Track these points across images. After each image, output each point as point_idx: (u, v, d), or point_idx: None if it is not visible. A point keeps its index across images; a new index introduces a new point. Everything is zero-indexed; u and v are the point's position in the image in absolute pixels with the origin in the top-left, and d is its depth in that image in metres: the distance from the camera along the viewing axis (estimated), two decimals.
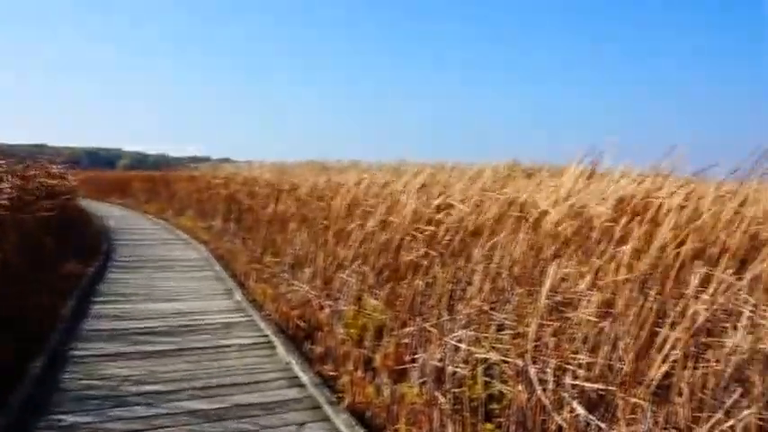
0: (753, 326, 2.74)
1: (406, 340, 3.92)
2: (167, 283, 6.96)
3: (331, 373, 4.03)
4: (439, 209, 4.72)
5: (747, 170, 3.45)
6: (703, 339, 2.74)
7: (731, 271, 2.86)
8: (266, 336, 4.89)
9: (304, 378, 3.95)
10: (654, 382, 2.56)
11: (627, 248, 2.86)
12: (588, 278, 3.01)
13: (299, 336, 4.86)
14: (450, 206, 4.56)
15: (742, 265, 3.15)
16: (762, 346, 2.58)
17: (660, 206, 3.17)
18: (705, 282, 2.80)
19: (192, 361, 4.23)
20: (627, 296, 2.82)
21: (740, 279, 2.91)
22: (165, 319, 5.34)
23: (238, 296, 6.29)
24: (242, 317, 5.52)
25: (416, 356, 3.69)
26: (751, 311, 2.68)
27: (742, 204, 3.55)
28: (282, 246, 7.34)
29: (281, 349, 4.51)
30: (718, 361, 2.65)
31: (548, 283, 2.99)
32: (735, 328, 2.75)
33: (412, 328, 3.93)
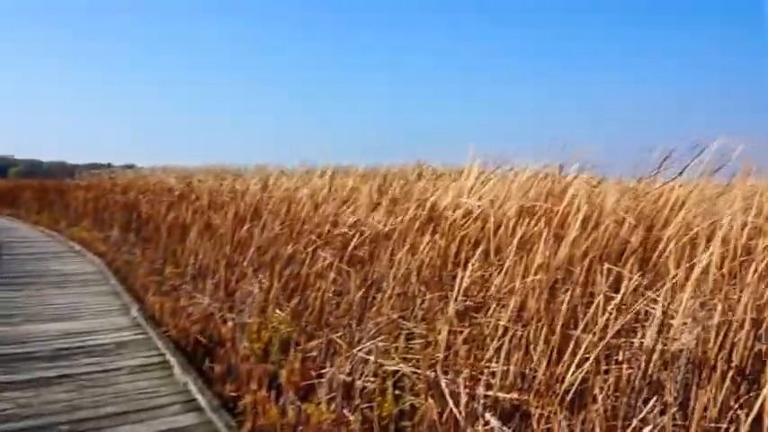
0: (661, 326, 2.70)
1: (314, 354, 3.69)
2: (57, 301, 6.37)
3: (232, 394, 3.73)
4: (339, 214, 4.52)
5: (653, 169, 3.44)
6: (614, 341, 2.67)
7: (637, 271, 2.82)
8: (163, 355, 4.50)
9: (202, 401, 3.63)
10: (569, 389, 2.45)
11: (537, 249, 2.75)
12: (498, 281, 2.89)
13: (199, 353, 4.51)
14: (349, 205, 4.36)
15: (645, 263, 3.13)
16: (671, 347, 2.54)
17: (568, 207, 3.11)
18: (616, 282, 2.73)
19: (76, 389, 3.81)
20: (538, 299, 2.71)
21: (643, 276, 2.88)
22: (49, 341, 4.83)
23: (135, 312, 5.82)
24: (137, 334, 5.09)
25: (324, 371, 3.46)
26: (662, 312, 2.63)
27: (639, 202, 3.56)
28: (184, 256, 6.91)
29: (178, 369, 4.15)
30: (630, 366, 2.59)
31: (458, 288, 2.84)
32: (644, 329, 2.71)
33: (319, 341, 3.70)
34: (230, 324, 4.68)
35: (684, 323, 2.66)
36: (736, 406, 2.16)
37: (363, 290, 3.57)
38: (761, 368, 2.17)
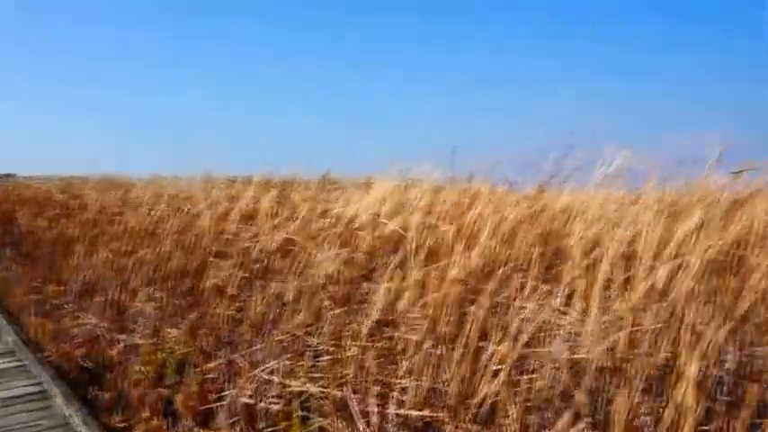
0: (571, 336, 2.71)
1: (213, 375, 3.44)
2: None
3: (122, 424, 3.41)
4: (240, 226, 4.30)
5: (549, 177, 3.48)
6: (524, 351, 2.64)
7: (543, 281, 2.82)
8: (41, 384, 4.08)
9: None
10: (481, 403, 2.39)
11: (449, 261, 2.69)
12: (410, 294, 2.80)
13: (85, 380, 4.12)
14: (252, 218, 4.16)
15: (547, 271, 3.15)
16: (581, 357, 2.54)
17: (477, 217, 3.08)
18: (524, 292, 2.71)
19: None
20: (449, 312, 2.64)
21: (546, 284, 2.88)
22: None
23: (10, 336, 5.28)
24: (12, 362, 4.60)
25: (224, 393, 3.23)
26: (571, 320, 2.64)
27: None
28: (69, 272, 6.37)
29: (60, 399, 3.76)
30: (541, 377, 2.57)
31: (370, 302, 2.73)
32: (553, 339, 2.71)
33: (219, 362, 3.46)
34: (120, 346, 4.32)
35: (592, 332, 2.68)
36: (647, 412, 2.18)
37: (265, 305, 3.38)
38: (670, 376, 2.19)
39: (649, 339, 2.32)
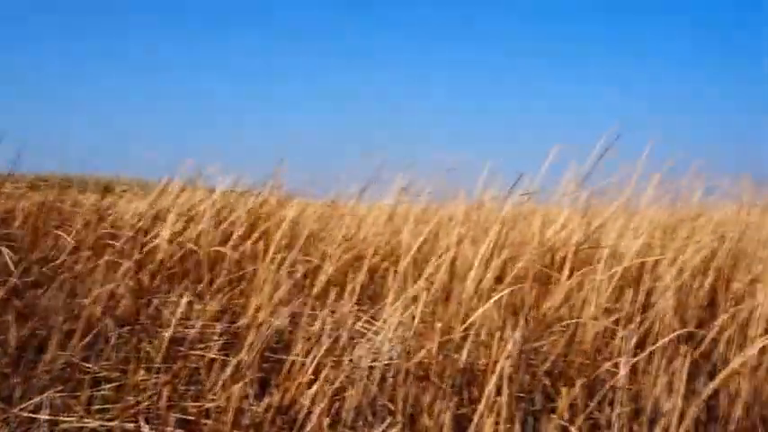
0: (379, 343, 2.74)
1: None
2: None
3: None
4: None
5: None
6: (325, 360, 2.60)
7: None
8: None
9: None
10: (289, 417, 2.29)
11: (253, 273, 2.54)
12: (211, 307, 2.58)
13: None
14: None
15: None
16: (387, 362, 2.58)
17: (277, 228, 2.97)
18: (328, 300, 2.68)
19: None
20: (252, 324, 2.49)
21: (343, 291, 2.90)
22: None
23: None
24: None
25: None
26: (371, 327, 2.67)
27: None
28: None
29: None
30: (345, 385, 2.55)
31: (165, 320, 2.45)
32: (360, 347, 2.72)
33: None
34: None
35: (391, 339, 2.75)
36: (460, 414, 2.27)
37: (28, 330, 2.85)
38: (480, 381, 2.31)
39: (457, 344, 2.44)
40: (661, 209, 3.67)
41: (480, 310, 2.51)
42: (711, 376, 2.40)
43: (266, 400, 2.33)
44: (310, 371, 2.33)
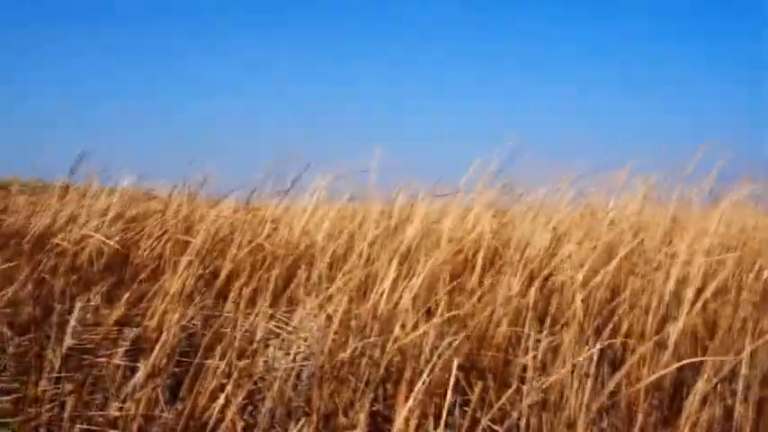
0: (284, 342, 2.73)
1: None
2: None
3: None
4: None
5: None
6: (240, 363, 2.55)
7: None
8: None
9: None
10: (206, 424, 2.23)
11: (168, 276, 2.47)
12: (118, 314, 2.49)
13: None
14: None
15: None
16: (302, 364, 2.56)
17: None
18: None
19: None
20: (168, 331, 2.42)
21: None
22: None
23: None
24: None
25: None
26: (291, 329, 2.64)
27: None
28: None
29: None
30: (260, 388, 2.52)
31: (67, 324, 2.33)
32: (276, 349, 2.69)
33: None
34: None
35: (306, 339, 2.74)
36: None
37: None
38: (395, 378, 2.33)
39: (372, 342, 2.45)
40: (575, 207, 3.83)
41: (394, 308, 2.53)
42: (616, 366, 2.51)
43: (177, 405, 2.26)
44: (219, 374, 2.28)
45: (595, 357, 2.37)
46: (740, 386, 2.21)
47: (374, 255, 2.89)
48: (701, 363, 2.33)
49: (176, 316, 2.30)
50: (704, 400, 2.22)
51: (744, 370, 2.19)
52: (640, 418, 2.24)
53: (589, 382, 2.34)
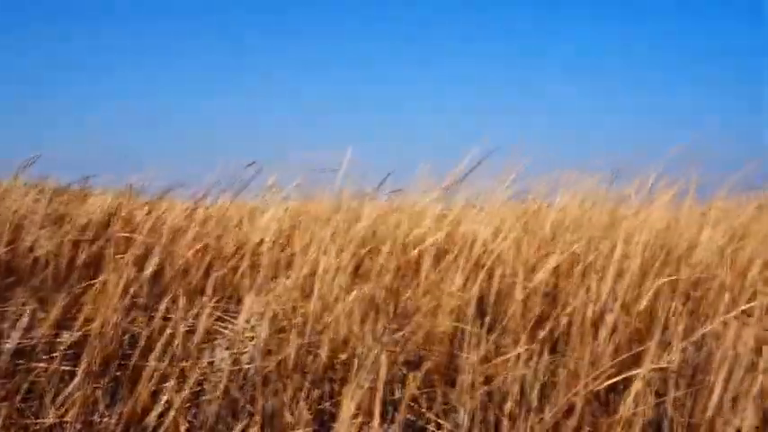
0: (230, 342, 2.70)
1: None
2: None
3: None
4: None
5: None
6: (185, 364, 2.51)
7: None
8: None
9: None
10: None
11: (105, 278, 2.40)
12: (54, 315, 2.41)
13: None
14: None
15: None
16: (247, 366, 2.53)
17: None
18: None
19: None
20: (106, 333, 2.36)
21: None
22: None
23: None
24: None
25: None
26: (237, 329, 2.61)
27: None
28: None
29: None
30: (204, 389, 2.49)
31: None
32: (218, 349, 2.66)
33: None
34: None
35: (252, 338, 2.71)
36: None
37: None
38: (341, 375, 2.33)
39: (318, 339, 2.45)
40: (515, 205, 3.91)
41: (340, 305, 2.54)
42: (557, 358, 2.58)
43: (117, 409, 2.22)
44: (159, 375, 2.24)
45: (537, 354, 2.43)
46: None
47: (321, 251, 2.89)
48: (639, 355, 2.41)
49: (115, 317, 2.25)
50: (640, 392, 2.30)
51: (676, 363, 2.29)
52: (579, 406, 2.31)
53: (530, 375, 2.40)
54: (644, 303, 2.65)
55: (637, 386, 2.25)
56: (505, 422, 2.34)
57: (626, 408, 2.24)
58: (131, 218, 2.65)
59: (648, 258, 2.90)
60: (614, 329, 2.44)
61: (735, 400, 2.30)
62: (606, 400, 2.49)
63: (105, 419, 2.27)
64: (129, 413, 2.24)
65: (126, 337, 2.54)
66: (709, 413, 2.27)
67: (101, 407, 2.26)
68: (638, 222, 3.03)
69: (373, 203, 3.37)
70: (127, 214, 3.04)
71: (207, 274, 2.74)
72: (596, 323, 2.56)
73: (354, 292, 2.55)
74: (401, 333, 2.64)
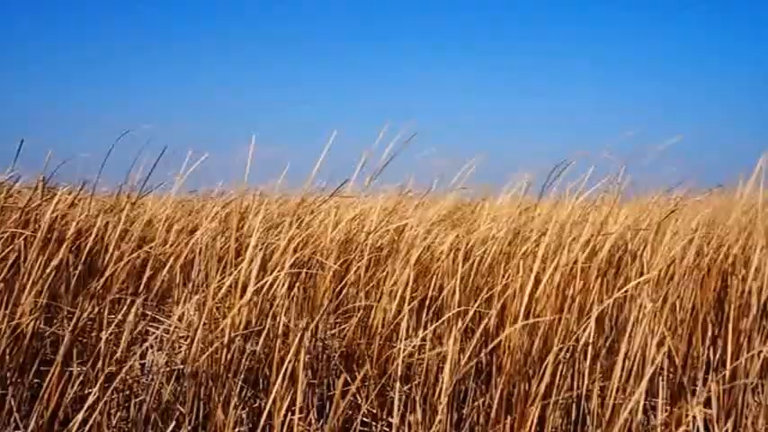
0: (162, 342, 2.62)
1: None
2: None
3: None
4: None
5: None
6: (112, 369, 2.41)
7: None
8: None
9: None
10: None
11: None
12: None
13: None
14: None
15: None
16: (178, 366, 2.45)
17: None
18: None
19: None
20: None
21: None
22: None
23: None
24: None
25: None
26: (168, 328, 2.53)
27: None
28: None
29: None
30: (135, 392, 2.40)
31: None
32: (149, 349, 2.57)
33: None
34: None
35: (184, 337, 2.64)
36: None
37: None
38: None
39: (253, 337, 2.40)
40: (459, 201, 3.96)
41: (277, 301, 2.49)
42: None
43: (33, 418, 2.10)
44: (82, 380, 2.14)
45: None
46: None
47: (257, 250, 2.83)
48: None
49: (31, 322, 2.13)
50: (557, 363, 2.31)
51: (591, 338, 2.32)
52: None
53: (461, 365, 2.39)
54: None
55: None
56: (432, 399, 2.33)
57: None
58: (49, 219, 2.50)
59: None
60: None
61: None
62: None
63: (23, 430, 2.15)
64: (48, 421, 2.13)
65: (49, 340, 2.42)
66: None
67: (15, 415, 2.14)
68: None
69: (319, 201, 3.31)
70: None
71: (137, 273, 2.65)
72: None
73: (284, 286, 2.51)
74: (338, 329, 2.62)
